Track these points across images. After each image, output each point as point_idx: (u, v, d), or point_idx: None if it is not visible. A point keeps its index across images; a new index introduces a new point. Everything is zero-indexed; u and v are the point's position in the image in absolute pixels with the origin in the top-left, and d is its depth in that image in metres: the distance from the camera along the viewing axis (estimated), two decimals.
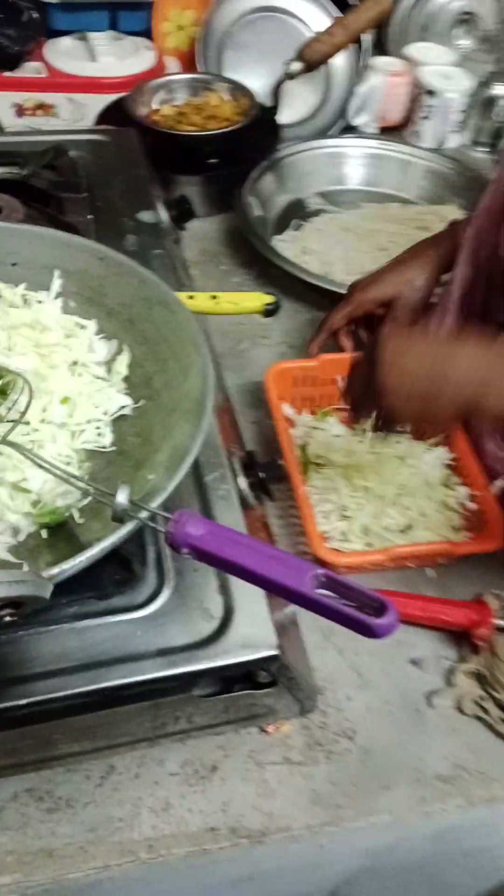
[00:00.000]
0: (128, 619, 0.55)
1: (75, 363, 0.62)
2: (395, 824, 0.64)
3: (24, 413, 0.54)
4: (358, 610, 0.39)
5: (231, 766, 0.65)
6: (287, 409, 0.86)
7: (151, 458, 0.58)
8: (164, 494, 0.48)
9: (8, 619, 0.41)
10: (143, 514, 0.46)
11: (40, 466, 0.50)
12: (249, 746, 0.66)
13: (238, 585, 0.57)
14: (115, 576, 0.56)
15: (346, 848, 0.67)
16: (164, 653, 0.53)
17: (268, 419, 0.89)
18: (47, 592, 0.40)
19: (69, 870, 0.58)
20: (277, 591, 0.41)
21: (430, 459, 0.81)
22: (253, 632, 0.54)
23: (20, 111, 1.23)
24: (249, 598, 0.56)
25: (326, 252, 1.12)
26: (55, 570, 0.43)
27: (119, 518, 0.45)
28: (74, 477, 0.50)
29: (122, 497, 0.45)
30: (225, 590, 0.57)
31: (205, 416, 0.53)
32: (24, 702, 0.50)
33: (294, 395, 0.85)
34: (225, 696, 0.56)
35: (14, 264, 0.65)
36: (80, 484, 0.50)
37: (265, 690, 0.57)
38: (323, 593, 0.40)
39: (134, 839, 0.60)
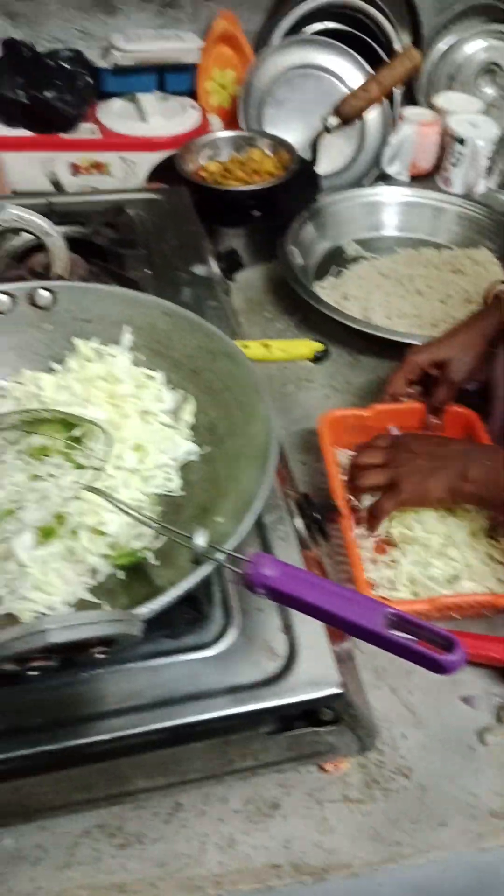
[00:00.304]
0: (198, 657, 0.57)
1: (145, 412, 0.66)
2: (451, 861, 0.65)
3: (104, 461, 0.57)
4: (427, 647, 0.41)
5: (292, 804, 0.66)
6: (340, 455, 0.88)
7: (218, 501, 0.61)
8: (238, 538, 0.51)
9: (99, 656, 0.44)
10: (220, 556, 0.48)
11: (123, 511, 0.54)
12: (309, 784, 0.68)
13: (301, 624, 0.60)
14: (184, 615, 0.59)
15: (402, 886, 0.68)
16: (233, 690, 0.55)
17: (317, 462, 0.92)
18: (139, 630, 0.43)
19: None
20: (351, 630, 0.43)
21: (474, 513, 0.83)
22: (317, 670, 0.57)
23: (76, 170, 1.30)
24: (312, 636, 0.59)
25: (366, 297, 1.16)
26: (145, 609, 0.46)
27: (198, 560, 0.48)
28: (153, 520, 0.54)
29: (200, 540, 0.48)
30: (288, 629, 0.59)
31: (270, 463, 0.56)
32: (106, 737, 0.52)
33: (346, 443, 0.88)
34: (289, 733, 0.58)
35: (87, 321, 0.69)
36: (159, 527, 0.53)
37: (328, 728, 0.59)
38: (394, 632, 0.42)
39: (202, 875, 0.62)
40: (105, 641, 0.43)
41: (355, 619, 0.43)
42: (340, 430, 0.87)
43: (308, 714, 0.58)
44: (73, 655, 0.44)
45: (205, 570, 0.49)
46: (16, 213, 0.65)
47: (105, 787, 0.59)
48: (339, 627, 0.44)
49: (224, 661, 0.57)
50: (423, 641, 0.42)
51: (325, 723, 0.58)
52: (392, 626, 0.43)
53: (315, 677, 0.56)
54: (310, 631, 0.59)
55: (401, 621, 0.42)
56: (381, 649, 0.56)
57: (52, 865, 0.62)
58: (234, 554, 0.48)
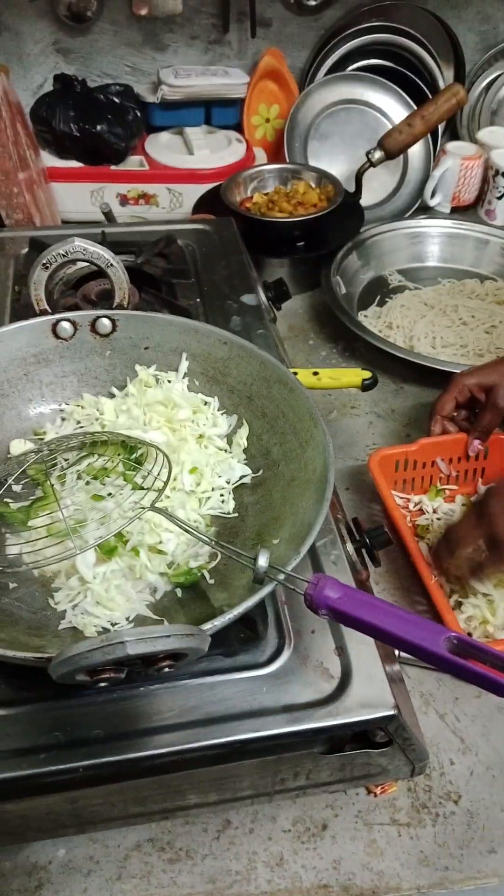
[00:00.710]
0: (253, 675, 0.58)
1: (201, 436, 0.68)
2: (500, 889, 0.65)
3: (166, 483, 0.59)
4: (490, 670, 0.42)
5: (340, 825, 0.67)
6: (397, 497, 0.89)
7: (273, 524, 0.62)
8: (298, 558, 0.52)
9: (167, 669, 0.46)
10: (281, 577, 0.50)
11: (188, 531, 0.56)
12: (357, 807, 0.68)
13: (354, 646, 0.61)
14: (239, 635, 0.60)
15: None
16: (288, 709, 0.56)
17: (361, 489, 0.93)
18: (206, 645, 0.45)
19: None
20: (412, 652, 0.44)
21: None
22: (371, 692, 0.58)
23: (124, 200, 1.34)
24: (365, 659, 0.60)
25: (410, 326, 1.18)
26: (209, 625, 0.47)
27: (260, 580, 0.50)
28: (216, 541, 0.55)
29: (263, 560, 0.50)
30: (342, 651, 0.60)
31: (328, 487, 0.57)
32: (163, 751, 0.54)
33: (395, 479, 0.89)
34: (343, 754, 0.59)
35: (146, 348, 0.72)
36: (223, 548, 0.54)
37: (381, 750, 0.60)
38: (455, 656, 0.43)
39: (251, 892, 0.63)
40: (174, 655, 0.45)
41: (418, 641, 0.44)
42: (390, 469, 0.88)
43: (360, 735, 0.59)
44: (143, 669, 0.45)
45: (267, 590, 0.50)
46: (81, 246, 0.68)
47: (159, 801, 0.60)
48: (402, 649, 0.45)
49: (278, 680, 0.58)
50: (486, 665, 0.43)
51: (378, 745, 0.59)
52: (454, 650, 0.44)
53: (369, 699, 0.57)
54: (363, 653, 0.60)
55: (462, 645, 0.43)
56: (438, 672, 0.57)
57: (104, 877, 0.63)
58: (295, 575, 0.50)
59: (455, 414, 0.93)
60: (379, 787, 0.68)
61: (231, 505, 0.66)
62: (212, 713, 0.56)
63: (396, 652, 0.63)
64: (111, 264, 0.70)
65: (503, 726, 0.74)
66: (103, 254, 0.69)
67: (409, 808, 0.68)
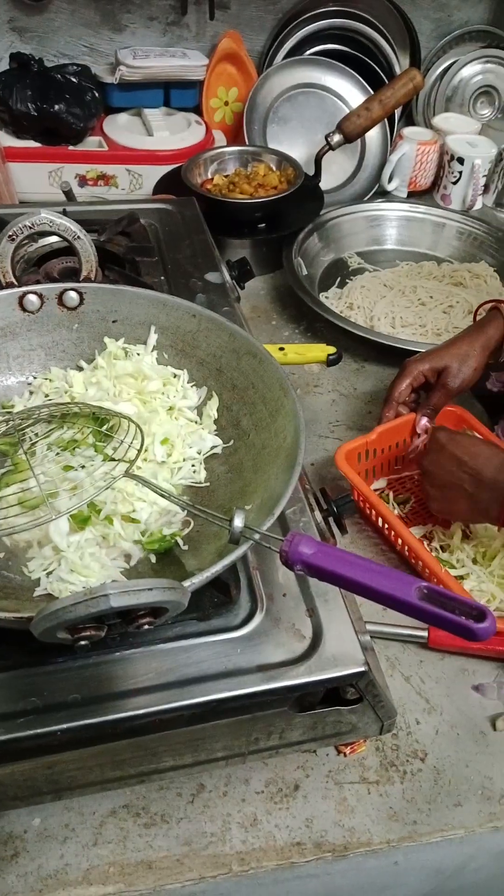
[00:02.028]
0: (227, 638, 0.60)
1: (171, 408, 0.69)
2: (466, 840, 0.68)
3: (139, 452, 0.60)
4: (461, 616, 0.44)
5: (312, 785, 0.69)
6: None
7: (244, 492, 0.64)
8: (272, 519, 0.53)
9: (146, 626, 0.46)
10: (257, 536, 0.51)
11: (161, 495, 0.56)
12: (328, 767, 0.70)
13: (325, 608, 0.62)
14: (213, 599, 0.61)
15: (418, 866, 0.70)
16: (262, 668, 0.58)
17: (325, 465, 0.95)
18: (186, 600, 0.46)
19: (167, 881, 0.62)
20: (385, 602, 0.46)
21: None
22: (342, 650, 0.59)
23: (83, 181, 1.33)
24: (336, 620, 0.61)
25: (370, 307, 1.20)
26: (189, 582, 0.48)
27: (236, 540, 0.51)
28: (192, 505, 0.56)
29: (238, 521, 0.51)
30: (313, 612, 0.62)
31: (299, 452, 0.59)
32: (141, 712, 0.55)
33: (359, 470, 0.90)
34: (314, 712, 0.61)
35: (115, 321, 0.72)
36: (199, 511, 0.55)
37: (351, 707, 0.61)
38: (426, 603, 0.45)
39: (226, 853, 0.64)
40: (154, 612, 0.46)
41: (390, 591, 0.45)
42: (353, 458, 0.89)
43: (331, 694, 0.61)
44: (123, 626, 0.46)
45: (243, 549, 0.52)
46: (48, 217, 0.68)
47: (135, 764, 0.61)
48: (374, 599, 0.47)
49: (252, 642, 0.60)
50: (457, 612, 0.44)
51: (348, 702, 0.61)
52: (424, 598, 0.46)
53: (340, 657, 0.59)
54: (334, 614, 0.62)
55: (432, 594, 0.45)
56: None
57: (80, 844, 0.64)
58: (270, 534, 0.51)
59: (408, 398, 0.96)
60: (348, 747, 0.70)
61: (203, 475, 0.67)
62: (187, 675, 0.57)
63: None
64: (78, 236, 0.70)
65: (466, 687, 0.76)
66: (70, 226, 0.69)
67: (377, 766, 0.70)
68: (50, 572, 0.59)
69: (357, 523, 0.89)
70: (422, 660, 0.78)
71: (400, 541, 0.83)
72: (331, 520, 0.74)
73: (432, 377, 0.94)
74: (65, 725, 0.54)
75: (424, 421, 0.92)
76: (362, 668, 0.58)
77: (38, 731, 0.53)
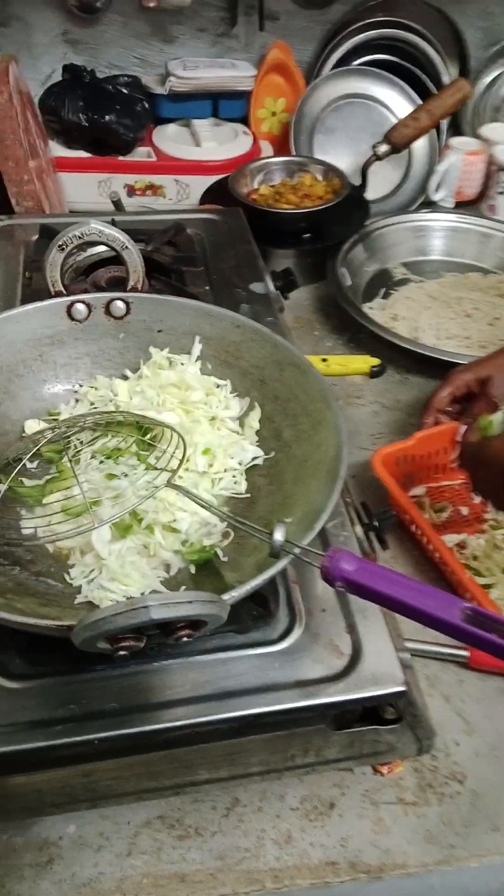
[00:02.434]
0: (265, 652, 0.59)
1: (213, 418, 0.69)
2: None
3: (181, 462, 0.60)
4: None
5: (348, 804, 0.68)
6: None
7: (284, 504, 0.63)
8: (313, 533, 0.53)
9: (185, 639, 0.46)
10: (297, 551, 0.51)
11: (201, 506, 0.56)
12: (364, 786, 0.69)
13: (364, 625, 0.62)
14: (252, 612, 0.61)
15: (454, 891, 0.68)
16: (300, 684, 0.57)
17: (367, 477, 0.94)
18: (226, 613, 0.45)
19: (200, 895, 0.62)
20: (427, 622, 0.45)
21: None
22: (381, 669, 0.58)
23: (131, 191, 1.35)
24: (376, 637, 0.61)
25: (415, 318, 1.19)
26: (228, 595, 0.48)
27: (276, 553, 0.51)
28: (233, 517, 0.56)
29: (279, 534, 0.50)
30: (352, 629, 0.61)
31: (342, 465, 0.58)
32: (178, 724, 0.55)
33: (397, 475, 0.90)
34: (352, 730, 0.60)
35: (160, 331, 0.73)
36: (240, 523, 0.55)
37: (389, 727, 0.60)
38: (471, 625, 0.44)
39: (260, 869, 0.63)
40: (193, 624, 0.45)
41: (433, 611, 0.45)
42: (390, 463, 0.89)
43: (370, 712, 0.60)
44: (162, 637, 0.46)
45: (283, 563, 0.51)
46: (98, 228, 0.69)
47: (170, 775, 0.61)
48: (416, 619, 0.46)
49: (290, 657, 0.59)
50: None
51: (387, 721, 0.60)
52: (468, 620, 0.45)
53: (379, 675, 0.58)
54: (373, 631, 0.61)
55: (477, 615, 0.44)
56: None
57: (114, 853, 0.64)
58: (311, 549, 0.50)
59: (450, 409, 0.94)
60: (386, 767, 0.69)
61: (243, 486, 0.67)
62: (225, 688, 0.57)
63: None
64: (126, 246, 0.71)
65: None
66: (119, 236, 0.70)
67: (415, 787, 0.69)
68: (91, 580, 0.59)
69: (399, 538, 0.88)
70: (462, 679, 0.77)
71: (430, 546, 0.82)
72: (372, 534, 0.73)
73: (476, 387, 0.92)
74: (102, 734, 0.54)
75: (465, 429, 0.91)
76: (402, 688, 0.57)
77: (76, 738, 0.54)
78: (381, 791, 0.69)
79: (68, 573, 0.60)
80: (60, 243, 0.69)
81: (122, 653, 0.46)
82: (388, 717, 0.60)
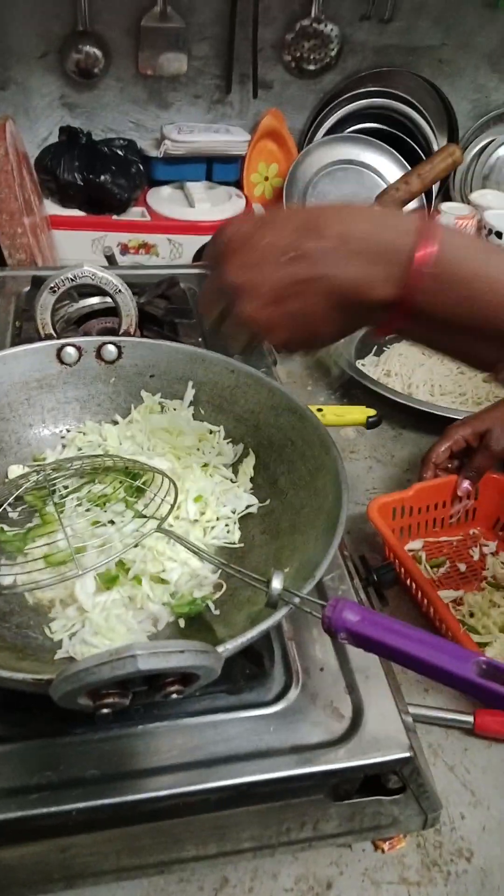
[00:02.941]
0: (260, 714, 0.55)
1: (206, 465, 0.66)
2: None
3: (172, 506, 0.57)
4: None
5: (346, 884, 0.62)
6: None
7: (280, 554, 0.60)
8: (314, 582, 0.50)
9: (175, 695, 0.42)
10: (296, 601, 0.47)
11: (194, 552, 0.53)
12: (364, 864, 0.64)
13: (365, 685, 0.58)
14: (245, 670, 0.57)
15: None
16: (297, 750, 0.53)
17: (363, 532, 0.91)
18: (219, 666, 0.42)
19: None
20: (439, 677, 0.42)
21: None
22: (384, 733, 0.54)
23: (124, 249, 1.35)
24: (378, 699, 0.57)
25: (409, 374, 1.18)
26: (222, 648, 0.44)
27: (273, 603, 0.47)
28: (228, 565, 0.53)
29: (277, 583, 0.47)
30: (353, 689, 0.57)
31: (342, 511, 0.55)
32: (163, 793, 0.50)
33: (393, 527, 0.87)
34: (353, 801, 0.56)
35: (152, 376, 0.71)
36: (234, 571, 0.52)
37: (393, 797, 0.56)
38: (487, 681, 0.41)
39: None
40: (184, 678, 0.42)
41: (445, 665, 0.41)
42: (387, 513, 0.86)
43: (371, 781, 0.55)
44: (150, 692, 0.42)
45: (281, 613, 0.48)
46: (91, 270, 0.68)
47: (155, 851, 0.55)
48: (426, 674, 0.42)
49: (286, 719, 0.55)
50: None
51: (390, 791, 0.55)
52: (483, 674, 0.41)
53: (383, 740, 0.54)
54: (375, 692, 0.57)
55: (493, 669, 0.41)
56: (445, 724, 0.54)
57: None
58: (311, 598, 0.47)
59: (449, 465, 0.93)
60: (387, 843, 0.64)
61: (237, 535, 0.64)
62: (215, 753, 0.53)
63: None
64: (119, 290, 0.69)
65: None
66: (112, 279, 0.68)
67: (418, 865, 0.64)
68: (73, 634, 0.55)
69: (398, 596, 0.84)
70: (467, 747, 0.72)
71: (425, 601, 0.78)
72: (371, 589, 0.70)
73: (474, 441, 0.91)
74: (81, 804, 0.50)
75: (466, 484, 0.89)
76: (408, 754, 0.53)
77: (53, 809, 0.49)
78: (383, 869, 0.63)
79: (49, 626, 0.56)
80: (52, 286, 0.67)
81: (104, 710, 0.42)
82: (392, 787, 0.55)
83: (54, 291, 0.67)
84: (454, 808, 0.68)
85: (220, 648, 0.45)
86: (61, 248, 1.38)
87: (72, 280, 0.67)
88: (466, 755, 0.72)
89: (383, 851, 0.64)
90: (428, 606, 0.78)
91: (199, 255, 1.33)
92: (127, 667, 0.37)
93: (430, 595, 0.76)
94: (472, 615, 0.81)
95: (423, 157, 1.50)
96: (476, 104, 1.59)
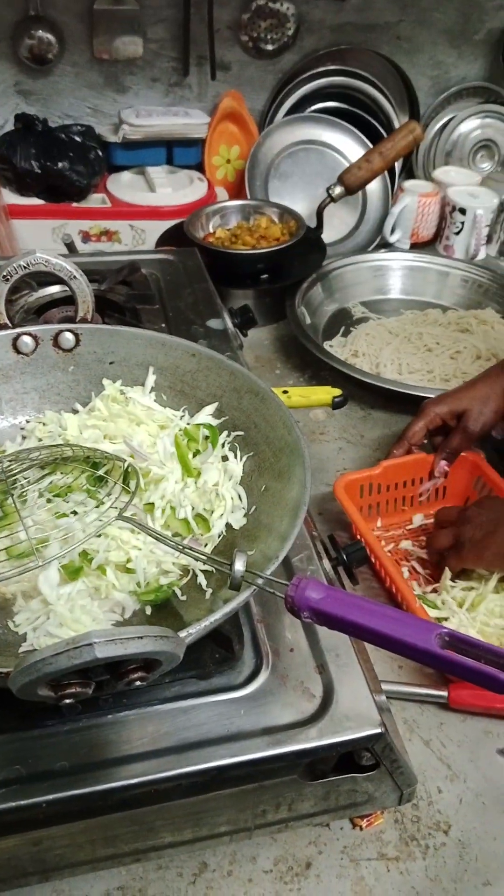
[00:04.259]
0: (230, 698, 0.55)
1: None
2: None
3: (134, 492, 0.56)
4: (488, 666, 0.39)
5: (325, 863, 0.62)
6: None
7: (246, 536, 0.60)
8: (277, 562, 0.49)
9: (138, 683, 0.42)
10: (260, 581, 0.47)
11: (156, 538, 0.52)
12: (342, 842, 0.64)
13: (336, 664, 0.57)
14: (215, 655, 0.57)
15: None
16: (269, 731, 0.53)
17: (333, 513, 0.91)
18: (181, 651, 0.41)
19: None
20: (403, 651, 0.42)
21: None
22: (356, 710, 0.54)
23: (86, 237, 1.33)
24: (349, 677, 0.56)
25: (376, 354, 1.18)
26: (185, 632, 0.44)
27: (237, 585, 0.47)
28: (190, 548, 0.52)
29: (240, 564, 0.47)
30: (323, 668, 0.57)
31: (306, 486, 0.55)
32: (134, 781, 0.50)
33: (361, 504, 0.87)
34: (327, 780, 0.55)
35: (111, 363, 0.69)
36: (196, 554, 0.51)
37: (367, 774, 0.56)
38: (449, 652, 0.41)
39: None
40: (147, 665, 0.41)
41: (408, 638, 0.41)
42: (355, 494, 0.86)
43: (345, 759, 0.55)
44: (112, 680, 0.42)
45: (244, 595, 0.47)
46: (43, 257, 0.66)
47: (130, 840, 0.55)
48: (390, 648, 0.42)
49: (257, 702, 0.55)
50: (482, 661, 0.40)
51: (364, 768, 0.55)
52: (446, 646, 0.41)
53: (354, 717, 0.54)
54: (346, 671, 0.57)
55: (455, 641, 0.41)
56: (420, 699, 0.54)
57: None
58: (274, 579, 0.47)
59: (424, 441, 0.93)
60: (365, 820, 0.64)
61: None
62: (186, 739, 0.52)
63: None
64: (74, 276, 0.68)
65: (491, 751, 0.70)
66: (66, 265, 0.67)
67: (397, 840, 0.64)
68: (37, 627, 0.54)
69: (371, 576, 0.84)
70: (442, 722, 0.72)
71: (388, 577, 0.78)
72: (340, 569, 0.70)
73: (451, 420, 0.91)
74: (51, 797, 0.49)
75: (443, 464, 0.89)
76: (379, 730, 0.53)
77: (22, 802, 0.49)
78: (361, 847, 0.64)
79: (13, 620, 0.55)
80: (5, 273, 0.66)
81: (67, 701, 0.41)
82: (365, 764, 0.55)
83: (7, 280, 0.66)
84: (431, 782, 0.68)
85: (183, 633, 0.44)
86: (21, 238, 1.36)
87: (24, 267, 0.66)
88: (442, 730, 0.72)
89: (361, 829, 0.64)
90: (390, 583, 0.79)
91: (161, 242, 1.31)
92: (84, 655, 0.36)
93: (389, 569, 0.76)
94: (435, 591, 0.81)
95: (386, 136, 1.50)
96: (436, 80, 1.58)
